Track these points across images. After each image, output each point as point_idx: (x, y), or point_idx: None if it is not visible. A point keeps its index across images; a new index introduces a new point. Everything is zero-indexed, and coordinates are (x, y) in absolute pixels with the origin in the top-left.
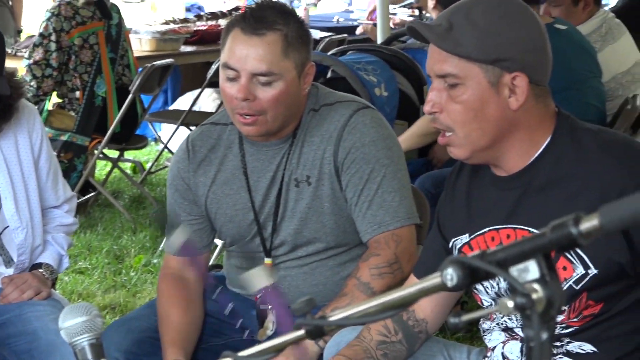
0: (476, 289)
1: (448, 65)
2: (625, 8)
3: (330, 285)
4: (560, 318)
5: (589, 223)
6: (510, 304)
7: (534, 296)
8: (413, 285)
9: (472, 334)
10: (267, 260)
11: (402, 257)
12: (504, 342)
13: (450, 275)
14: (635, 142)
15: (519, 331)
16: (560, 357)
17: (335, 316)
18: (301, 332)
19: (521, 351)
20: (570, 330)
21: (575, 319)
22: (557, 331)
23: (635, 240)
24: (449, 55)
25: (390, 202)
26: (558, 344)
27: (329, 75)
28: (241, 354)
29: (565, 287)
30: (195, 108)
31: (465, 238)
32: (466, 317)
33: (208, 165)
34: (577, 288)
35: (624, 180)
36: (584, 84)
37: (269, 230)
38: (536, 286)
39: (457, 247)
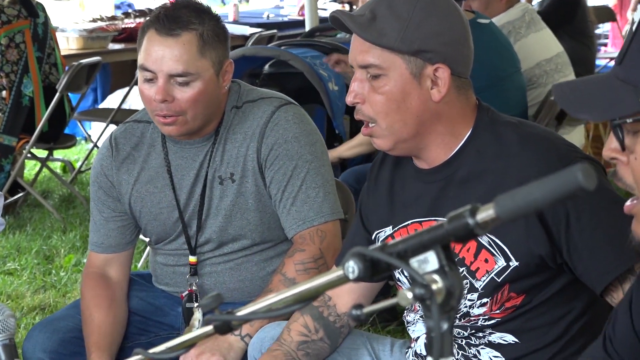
0: (399, 280)
1: (370, 56)
2: (547, 9)
3: (256, 281)
4: (482, 310)
5: (485, 213)
6: (410, 294)
7: (434, 287)
8: (317, 279)
9: (404, 327)
10: (192, 258)
11: (327, 252)
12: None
13: (352, 267)
14: (554, 136)
15: None
16: (482, 348)
17: (242, 311)
18: (209, 327)
19: (425, 343)
20: (492, 322)
21: (497, 311)
22: (479, 323)
23: (554, 232)
24: (372, 46)
25: (314, 197)
26: (480, 334)
27: (267, 70)
28: (152, 350)
29: (487, 280)
30: (125, 106)
31: (388, 230)
32: (367, 309)
33: (132, 163)
34: (499, 280)
35: (542, 174)
36: (508, 79)
37: (194, 228)
38: (436, 277)
39: (381, 239)
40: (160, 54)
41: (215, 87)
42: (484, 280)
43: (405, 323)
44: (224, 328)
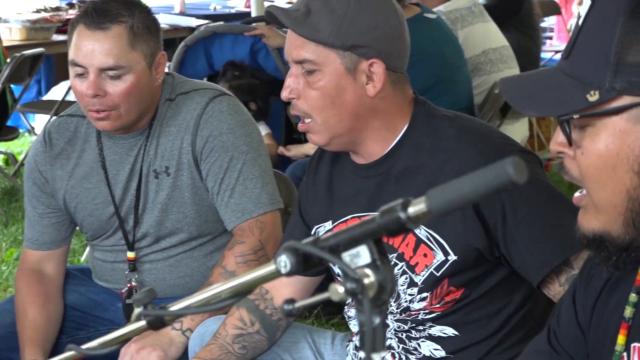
0: (338, 275)
1: (305, 51)
2: (493, 3)
3: (197, 276)
4: (423, 304)
5: (417, 207)
6: (341, 289)
7: (365, 281)
8: (250, 273)
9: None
10: (130, 254)
11: (268, 243)
12: None
13: (284, 262)
14: (490, 129)
15: None
16: (422, 341)
17: (176, 306)
18: (142, 323)
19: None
20: (432, 315)
21: (437, 305)
22: (419, 317)
23: (491, 226)
24: (306, 41)
25: (252, 189)
26: (420, 328)
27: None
28: (85, 346)
29: (426, 274)
30: (69, 98)
31: (328, 225)
32: (299, 304)
33: (66, 158)
34: (438, 275)
35: (479, 168)
36: (458, 72)
37: (131, 223)
38: (368, 271)
39: (320, 234)
40: (90, 48)
41: (148, 80)
42: (424, 275)
43: (347, 318)
44: (156, 323)
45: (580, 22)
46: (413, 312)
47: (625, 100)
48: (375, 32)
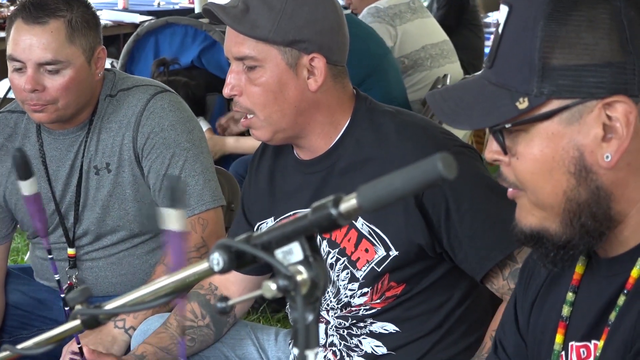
0: None
1: (245, 48)
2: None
3: (139, 274)
4: (363, 300)
5: (348, 203)
6: (274, 286)
7: (298, 278)
8: (186, 270)
9: None
10: (70, 251)
11: (210, 240)
12: None
13: (217, 259)
14: (431, 124)
15: (324, 314)
16: (364, 338)
17: (111, 304)
18: (77, 322)
19: (324, 333)
20: (373, 311)
21: (378, 301)
22: (360, 313)
23: (434, 221)
24: (246, 38)
25: (194, 185)
26: (361, 324)
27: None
28: (20, 346)
29: (367, 270)
30: (11, 95)
31: (270, 222)
32: (232, 301)
33: (5, 154)
34: (379, 270)
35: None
36: (385, 60)
37: (71, 220)
38: (300, 268)
39: (262, 230)
40: (27, 42)
41: (87, 75)
42: (365, 270)
43: (289, 315)
44: (91, 322)
45: (500, 30)
46: (354, 308)
47: (554, 104)
48: (314, 26)
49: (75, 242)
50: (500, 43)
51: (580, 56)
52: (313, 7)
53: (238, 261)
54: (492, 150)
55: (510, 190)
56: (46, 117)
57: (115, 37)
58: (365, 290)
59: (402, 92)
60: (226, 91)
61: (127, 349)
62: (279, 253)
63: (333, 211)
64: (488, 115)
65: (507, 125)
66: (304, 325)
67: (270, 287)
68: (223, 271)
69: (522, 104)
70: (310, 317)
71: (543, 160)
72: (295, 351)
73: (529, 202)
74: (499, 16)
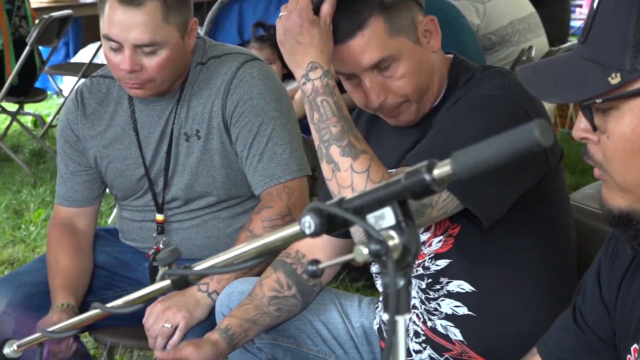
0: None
1: (381, 51)
2: None
3: (223, 237)
4: (426, 236)
5: (442, 169)
6: (365, 250)
7: (390, 243)
8: (274, 234)
9: (372, 283)
10: (159, 217)
11: (295, 209)
12: None
13: (308, 222)
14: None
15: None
16: (442, 299)
17: (200, 265)
18: (167, 282)
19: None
20: (440, 264)
21: (440, 237)
22: (431, 268)
23: None
24: (374, 44)
25: (280, 154)
26: (437, 286)
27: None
28: (110, 304)
29: None
30: (97, 60)
31: None
32: (323, 264)
33: (98, 119)
34: None
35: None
36: (456, 21)
37: (160, 185)
38: (392, 233)
39: None
40: (124, 24)
41: (182, 50)
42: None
43: (374, 277)
44: (181, 283)
45: (595, 5)
46: (424, 253)
47: None
48: None
49: (163, 207)
50: (595, 18)
51: None
52: None
53: (329, 225)
54: (580, 128)
55: (596, 170)
56: (144, 93)
57: (199, 4)
58: (418, 254)
59: (479, 56)
60: (375, 107)
61: (210, 313)
62: (370, 217)
63: (427, 177)
64: (579, 90)
65: (598, 101)
66: (394, 291)
67: (362, 252)
68: (314, 234)
69: (615, 79)
70: (402, 283)
71: (634, 139)
72: (385, 316)
73: (615, 183)
74: None
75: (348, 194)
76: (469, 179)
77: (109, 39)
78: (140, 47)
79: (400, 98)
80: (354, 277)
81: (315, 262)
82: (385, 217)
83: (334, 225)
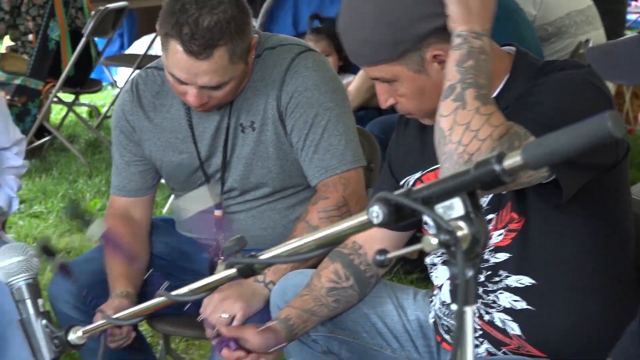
0: (427, 224)
1: (376, 72)
2: None
3: (279, 228)
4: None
5: (513, 160)
6: (435, 240)
7: (459, 233)
8: (341, 224)
9: (426, 276)
10: (217, 212)
11: (351, 200)
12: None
13: (376, 212)
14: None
15: None
16: (501, 292)
17: (265, 255)
18: (233, 270)
19: (450, 290)
20: (501, 257)
21: (501, 231)
22: (491, 260)
23: None
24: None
25: (336, 145)
26: (496, 279)
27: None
28: (175, 292)
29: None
30: (152, 52)
31: (418, 175)
32: (391, 254)
33: (153, 111)
34: (503, 193)
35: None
36: (515, 13)
37: (216, 178)
38: (461, 223)
39: (410, 183)
40: (192, 72)
41: (245, 71)
42: (489, 195)
43: (428, 268)
44: (246, 271)
45: None
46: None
47: None
48: (408, 22)
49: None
50: None
51: None
52: (392, 8)
53: (397, 215)
54: None
55: None
56: (207, 111)
57: None
58: (490, 216)
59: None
60: (386, 105)
61: (266, 303)
62: (439, 208)
63: (497, 167)
64: None
65: None
66: (463, 281)
67: (431, 242)
68: (382, 224)
69: None
70: (470, 273)
71: None
72: (454, 307)
73: None
74: None
75: (459, 132)
76: None
77: (173, 76)
78: (207, 87)
79: (404, 111)
80: (408, 270)
81: (384, 251)
82: (454, 208)
83: (401, 215)
